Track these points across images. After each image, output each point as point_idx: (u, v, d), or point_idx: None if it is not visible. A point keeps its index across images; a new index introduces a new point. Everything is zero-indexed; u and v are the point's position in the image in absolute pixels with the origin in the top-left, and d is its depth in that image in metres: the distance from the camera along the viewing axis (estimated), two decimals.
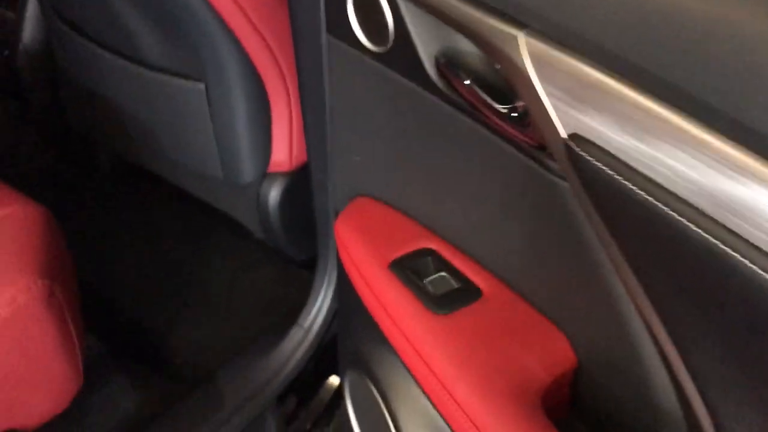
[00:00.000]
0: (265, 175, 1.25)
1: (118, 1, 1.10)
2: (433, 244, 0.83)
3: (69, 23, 1.28)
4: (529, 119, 0.58)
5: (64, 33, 1.29)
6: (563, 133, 0.53)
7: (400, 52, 0.70)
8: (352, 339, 0.99)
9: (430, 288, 0.78)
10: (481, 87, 0.61)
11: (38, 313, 0.92)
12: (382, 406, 0.87)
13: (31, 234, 0.97)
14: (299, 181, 1.22)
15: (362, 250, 0.87)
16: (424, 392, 0.76)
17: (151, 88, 1.22)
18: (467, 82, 0.62)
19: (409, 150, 0.79)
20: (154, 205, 1.61)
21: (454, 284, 0.78)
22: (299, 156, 1.22)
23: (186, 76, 1.16)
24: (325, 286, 1.20)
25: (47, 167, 1.68)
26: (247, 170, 1.22)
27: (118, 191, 1.66)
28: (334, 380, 1.33)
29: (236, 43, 1.07)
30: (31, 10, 1.40)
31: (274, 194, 1.25)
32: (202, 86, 1.14)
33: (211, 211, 1.44)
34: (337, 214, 0.97)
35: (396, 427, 0.84)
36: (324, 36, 0.82)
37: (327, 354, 1.24)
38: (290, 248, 1.34)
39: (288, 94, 1.16)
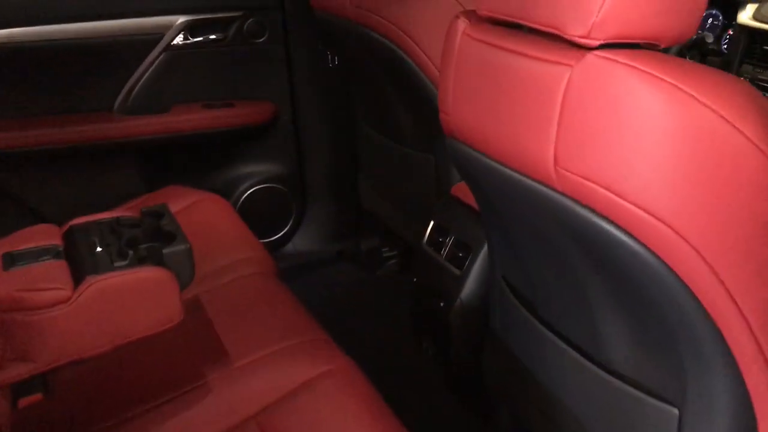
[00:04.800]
0: None
1: (595, 303, 0.99)
2: None
3: (513, 290, 1.21)
4: None
5: (508, 299, 1.22)
6: None
7: None
8: None
9: None
10: None
11: None
12: None
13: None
14: None
15: None
16: None
17: (603, 393, 1.07)
18: None
19: None
20: None
21: None
22: None
23: (656, 396, 0.98)
24: None
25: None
26: None
27: None
28: None
29: (733, 367, 0.88)
30: (477, 266, 1.36)
31: None
32: (675, 412, 0.96)
33: None
34: None
35: None
36: None
37: None
38: None
39: None
